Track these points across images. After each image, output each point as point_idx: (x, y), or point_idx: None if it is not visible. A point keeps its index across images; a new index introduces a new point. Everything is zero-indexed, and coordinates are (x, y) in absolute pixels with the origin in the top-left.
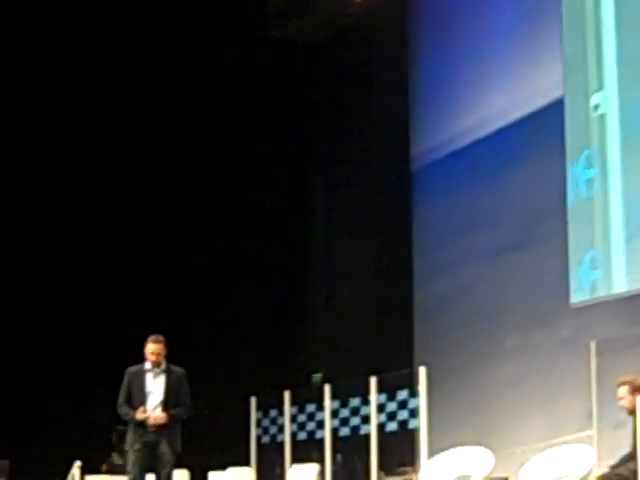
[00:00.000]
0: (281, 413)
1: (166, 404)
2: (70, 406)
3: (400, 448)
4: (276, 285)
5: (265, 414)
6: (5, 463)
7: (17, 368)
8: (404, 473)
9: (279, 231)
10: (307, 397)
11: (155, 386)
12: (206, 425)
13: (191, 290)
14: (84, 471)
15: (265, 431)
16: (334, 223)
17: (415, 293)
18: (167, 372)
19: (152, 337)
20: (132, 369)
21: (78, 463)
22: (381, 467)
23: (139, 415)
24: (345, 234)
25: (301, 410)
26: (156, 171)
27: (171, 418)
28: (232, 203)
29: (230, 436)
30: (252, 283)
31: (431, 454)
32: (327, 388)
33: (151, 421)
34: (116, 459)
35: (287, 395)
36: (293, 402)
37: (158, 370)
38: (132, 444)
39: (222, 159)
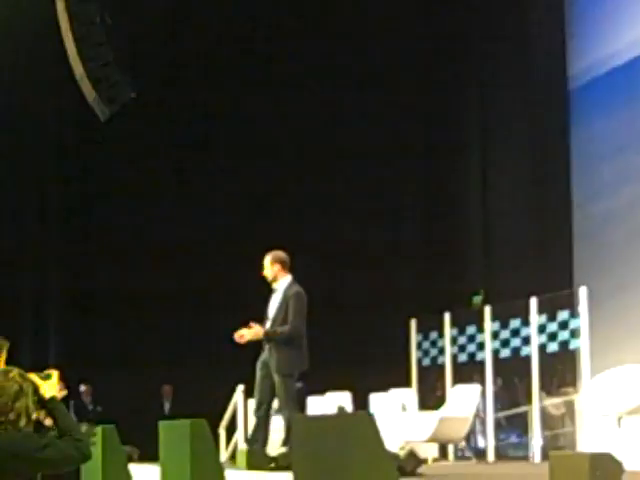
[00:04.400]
0: (441, 335)
1: (274, 322)
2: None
3: (561, 369)
4: (436, 208)
5: (425, 336)
6: (169, 388)
7: (182, 295)
8: (565, 394)
9: (436, 153)
10: (467, 319)
11: (272, 306)
12: (368, 348)
13: (352, 217)
14: (247, 395)
15: (426, 353)
16: (492, 143)
17: (574, 213)
18: (284, 292)
19: None
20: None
21: (241, 387)
22: (542, 388)
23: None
24: (504, 155)
25: (461, 332)
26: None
27: (267, 334)
28: (389, 125)
29: (391, 358)
30: (413, 207)
31: (593, 374)
32: (487, 310)
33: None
34: None
35: (447, 317)
36: (453, 324)
37: (275, 290)
38: (257, 365)
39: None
